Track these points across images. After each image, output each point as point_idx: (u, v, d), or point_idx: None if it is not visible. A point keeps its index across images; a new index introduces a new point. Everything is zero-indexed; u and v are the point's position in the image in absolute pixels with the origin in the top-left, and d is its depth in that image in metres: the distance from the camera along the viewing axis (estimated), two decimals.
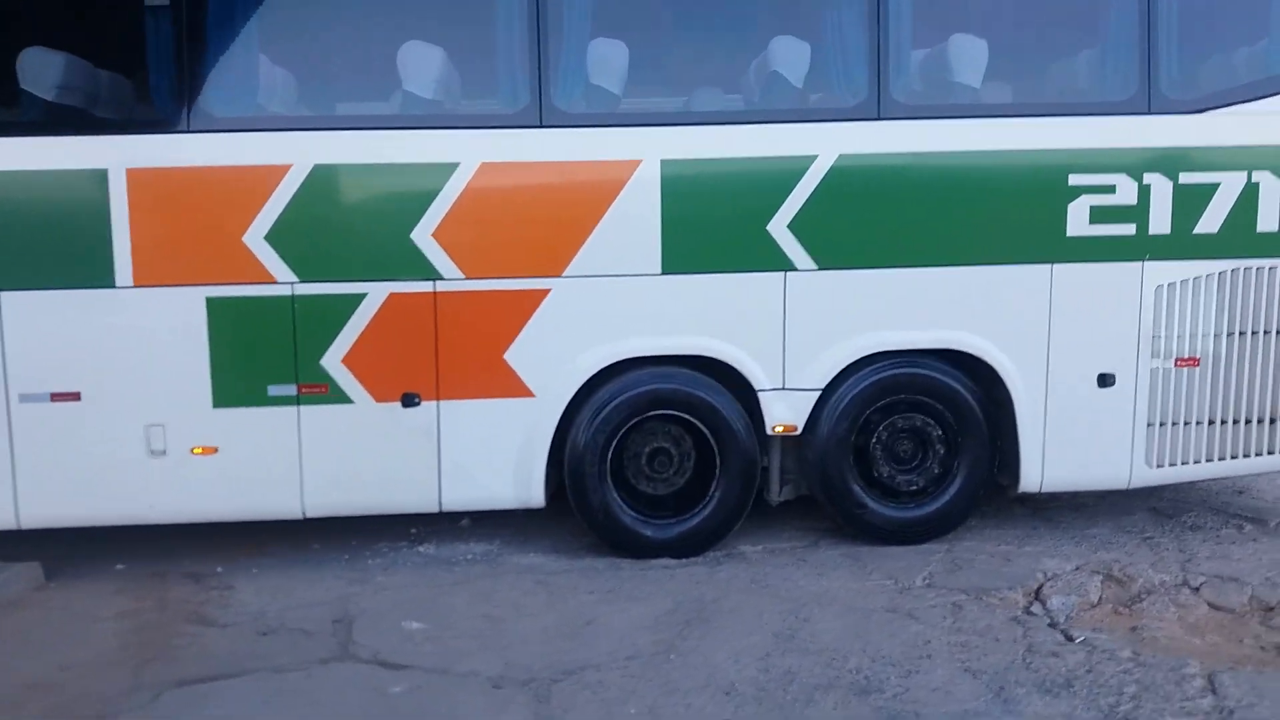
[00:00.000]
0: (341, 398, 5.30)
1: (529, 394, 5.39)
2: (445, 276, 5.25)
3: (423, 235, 5.21)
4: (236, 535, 5.77)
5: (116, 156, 5.04)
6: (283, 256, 5.17)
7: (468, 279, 5.27)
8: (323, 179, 5.16)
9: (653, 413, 5.54)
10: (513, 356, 5.34)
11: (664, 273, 5.35)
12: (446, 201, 5.20)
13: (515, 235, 5.29)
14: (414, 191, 5.20)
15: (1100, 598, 5.11)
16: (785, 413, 5.55)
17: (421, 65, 5.24)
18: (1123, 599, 5.12)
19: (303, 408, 5.29)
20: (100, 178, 5.03)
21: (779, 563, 5.54)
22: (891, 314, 5.51)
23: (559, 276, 5.30)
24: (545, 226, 5.29)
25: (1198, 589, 5.12)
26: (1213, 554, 5.61)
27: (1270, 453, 5.81)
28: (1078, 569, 5.38)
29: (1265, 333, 5.69)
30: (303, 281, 5.20)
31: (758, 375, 5.50)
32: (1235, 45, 5.69)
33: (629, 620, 4.76)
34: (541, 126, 5.21)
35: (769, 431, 5.55)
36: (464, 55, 5.37)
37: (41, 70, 5.00)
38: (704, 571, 5.39)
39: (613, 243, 5.30)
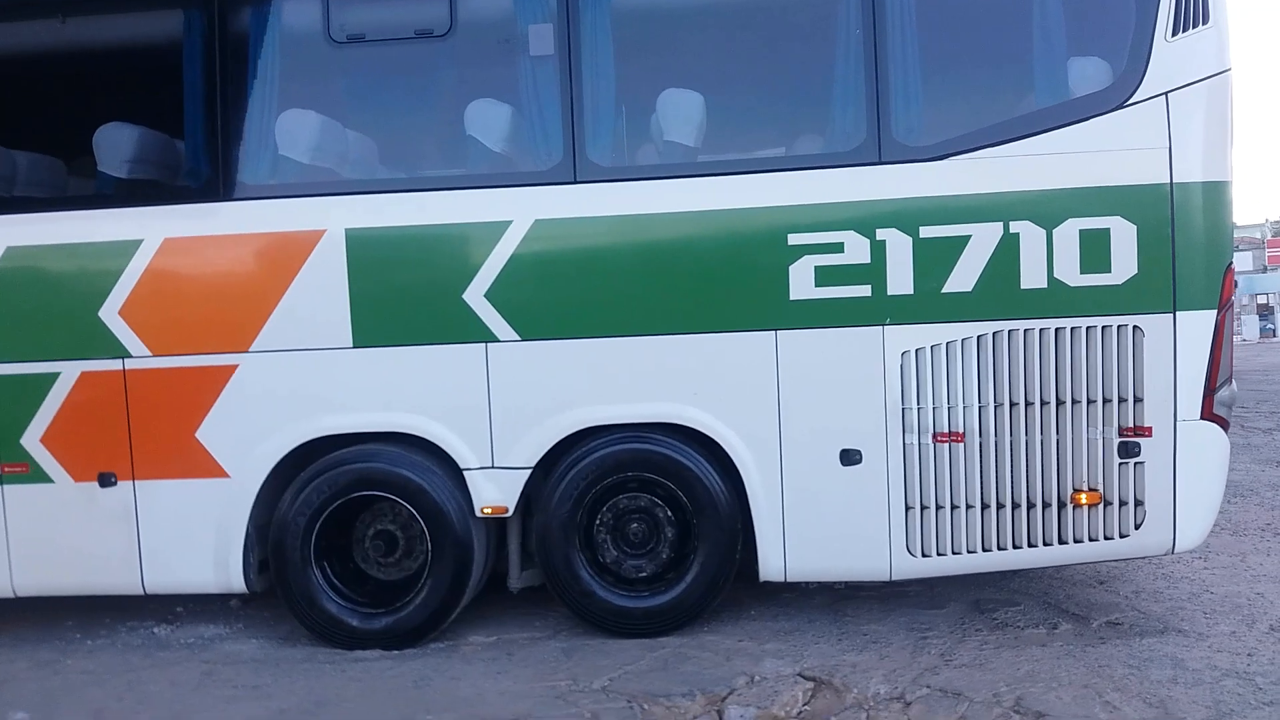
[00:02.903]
0: (42, 477, 5.28)
1: (223, 474, 5.23)
2: (133, 354, 5.19)
3: (110, 313, 5.18)
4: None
5: None
6: None
7: (155, 356, 5.19)
8: (13, 260, 5.22)
9: (360, 493, 5.29)
10: (204, 435, 5.21)
11: (356, 346, 5.14)
12: (131, 279, 5.17)
13: (200, 311, 5.19)
14: (100, 271, 5.19)
15: (798, 711, 4.51)
16: (494, 493, 5.20)
17: (113, 145, 5.26)
18: (830, 711, 4.51)
19: (6, 487, 5.30)
20: None
21: (483, 657, 5.15)
22: (604, 387, 5.12)
23: (246, 352, 5.17)
24: (230, 302, 5.18)
25: (910, 704, 4.46)
26: (974, 660, 4.88)
27: (1060, 542, 5.06)
28: (798, 674, 4.79)
29: (1044, 403, 5.00)
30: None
31: (463, 453, 5.18)
32: (981, 83, 5.12)
33: None
34: (222, 199, 5.14)
35: (477, 513, 5.21)
36: (153, 131, 5.36)
37: None
38: (381, 667, 5.03)
39: (299, 316, 5.14)
